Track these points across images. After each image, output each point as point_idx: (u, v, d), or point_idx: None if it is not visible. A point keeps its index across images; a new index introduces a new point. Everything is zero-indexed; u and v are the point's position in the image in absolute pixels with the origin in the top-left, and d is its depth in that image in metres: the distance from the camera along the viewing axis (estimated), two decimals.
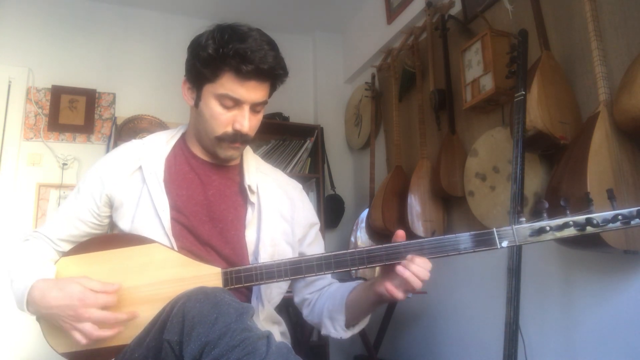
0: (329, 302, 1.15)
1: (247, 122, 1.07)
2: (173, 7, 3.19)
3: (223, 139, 1.09)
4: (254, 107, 1.08)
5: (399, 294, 0.95)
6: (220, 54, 1.00)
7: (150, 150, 1.16)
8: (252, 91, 1.05)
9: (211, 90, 1.05)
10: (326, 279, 1.22)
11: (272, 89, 1.11)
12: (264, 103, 1.10)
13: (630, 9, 1.50)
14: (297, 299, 1.26)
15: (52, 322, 0.98)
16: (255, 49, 1.01)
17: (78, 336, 0.93)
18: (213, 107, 1.06)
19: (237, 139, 1.09)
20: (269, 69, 1.03)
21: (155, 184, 1.10)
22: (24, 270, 1.02)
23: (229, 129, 1.08)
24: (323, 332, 1.16)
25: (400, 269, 0.93)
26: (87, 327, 0.92)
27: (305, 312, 1.23)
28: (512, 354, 1.47)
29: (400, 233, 0.98)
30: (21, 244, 1.14)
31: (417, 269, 0.92)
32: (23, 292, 0.98)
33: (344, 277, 2.22)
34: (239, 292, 1.10)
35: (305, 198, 1.28)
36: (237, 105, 1.06)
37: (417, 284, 0.93)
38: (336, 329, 1.12)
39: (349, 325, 1.12)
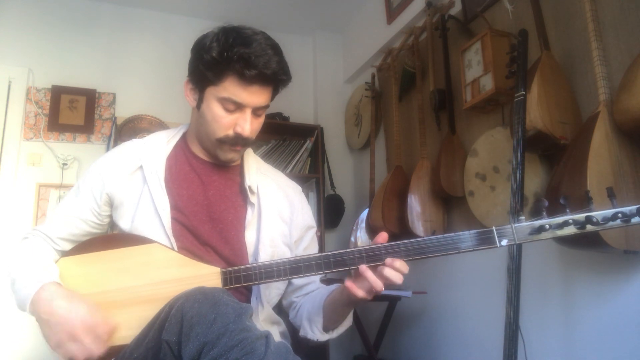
0: (309, 304, 1.16)
1: (248, 125, 1.07)
2: (173, 7, 3.19)
3: (224, 142, 1.10)
4: (256, 111, 1.09)
5: (360, 293, 0.95)
6: (225, 57, 1.01)
7: (151, 149, 1.16)
8: (255, 95, 1.05)
9: (214, 92, 1.05)
10: (315, 284, 1.22)
11: (275, 92, 1.12)
12: (266, 107, 1.10)
13: (630, 9, 1.50)
14: (284, 302, 1.25)
15: (43, 328, 0.96)
16: (259, 53, 1.01)
17: (58, 352, 0.92)
18: (215, 110, 1.06)
19: (238, 142, 1.10)
20: (272, 74, 1.03)
21: (156, 183, 1.10)
22: (28, 270, 1.02)
23: (230, 132, 1.08)
24: (301, 333, 1.15)
25: (363, 269, 0.93)
26: (75, 349, 0.91)
27: (291, 315, 1.23)
28: (512, 354, 1.47)
29: (383, 235, 0.97)
30: (21, 242, 1.13)
31: (387, 271, 0.92)
32: (29, 291, 0.96)
33: (344, 278, 2.22)
34: (238, 292, 1.10)
35: (304, 200, 1.29)
36: (239, 109, 1.06)
37: (377, 284, 0.93)
38: (313, 331, 1.12)
39: (327, 328, 1.12)
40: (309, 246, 1.25)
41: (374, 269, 0.94)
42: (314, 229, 1.27)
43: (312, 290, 1.21)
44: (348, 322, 1.14)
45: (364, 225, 2.74)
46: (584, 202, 0.89)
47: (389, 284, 0.94)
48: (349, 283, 0.96)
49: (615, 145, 1.38)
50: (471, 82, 1.98)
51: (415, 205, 2.23)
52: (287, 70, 1.08)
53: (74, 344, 0.91)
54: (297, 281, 1.20)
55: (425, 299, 2.34)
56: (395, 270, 0.92)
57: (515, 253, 1.51)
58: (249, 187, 1.16)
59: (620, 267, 1.49)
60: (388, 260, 0.93)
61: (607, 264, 1.53)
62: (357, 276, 0.97)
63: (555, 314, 1.69)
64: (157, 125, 2.95)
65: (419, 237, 2.16)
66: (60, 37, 2.95)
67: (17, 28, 2.87)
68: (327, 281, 1.32)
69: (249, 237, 1.13)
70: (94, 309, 0.96)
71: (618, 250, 1.33)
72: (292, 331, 1.22)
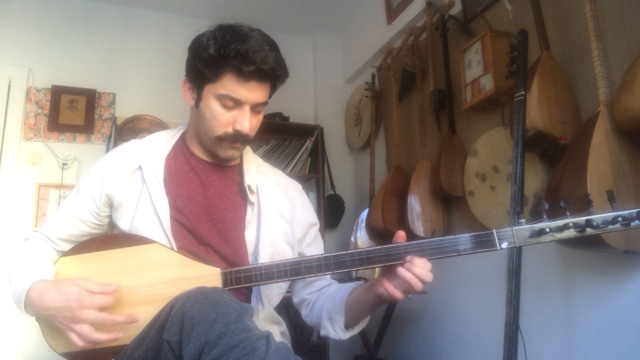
0: (328, 303, 1.15)
1: (247, 122, 1.07)
2: (173, 7, 3.19)
3: (223, 139, 1.09)
4: (255, 108, 1.08)
5: (398, 295, 0.96)
6: (222, 54, 1.01)
7: (150, 150, 1.16)
8: (253, 92, 1.05)
9: (212, 90, 1.05)
10: (325, 280, 1.22)
11: (273, 89, 1.12)
12: (265, 103, 1.10)
13: (630, 9, 1.50)
14: (295, 300, 1.26)
15: (50, 323, 0.97)
16: (256, 49, 1.01)
17: (74, 337, 0.93)
18: (214, 107, 1.06)
19: (238, 139, 1.10)
20: (270, 70, 1.03)
21: (155, 183, 1.10)
22: (23, 270, 1.02)
23: (230, 129, 1.08)
24: (322, 333, 1.16)
25: (402, 270, 0.94)
26: (84, 328, 0.92)
27: (304, 312, 1.23)
28: (512, 354, 1.47)
29: (401, 234, 0.99)
30: (21, 243, 1.14)
31: (419, 270, 0.93)
32: (21, 293, 0.97)
33: (344, 277, 2.22)
34: (238, 292, 1.10)
35: (305, 198, 1.28)
36: (237, 106, 1.06)
37: (418, 285, 0.94)
38: (335, 330, 1.13)
39: (348, 326, 1.12)
40: (312, 243, 1.24)
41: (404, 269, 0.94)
42: (317, 226, 1.27)
43: (324, 286, 1.21)
44: (367, 319, 1.15)
45: (364, 225, 2.75)
46: (584, 204, 0.89)
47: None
48: (389, 287, 0.96)
49: (615, 145, 1.38)
50: (471, 82, 1.98)
51: (415, 205, 2.23)
52: (285, 66, 1.08)
53: (82, 325, 0.92)
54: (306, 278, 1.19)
55: (425, 299, 2.34)
56: (420, 267, 0.93)
57: (515, 253, 1.51)
58: (249, 186, 1.16)
59: (620, 267, 1.49)
60: (408, 257, 0.94)
61: (607, 264, 1.53)
62: (390, 277, 0.97)
63: (555, 314, 1.69)
64: (157, 125, 2.95)
65: (419, 237, 2.18)
66: (60, 37, 2.95)
67: (17, 28, 2.87)
68: (336, 278, 1.31)
69: (249, 236, 1.13)
70: (86, 284, 0.95)
71: (618, 250, 1.33)
72: (293, 331, 1.22)
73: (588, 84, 1.61)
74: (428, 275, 0.94)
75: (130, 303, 0.99)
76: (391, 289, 0.96)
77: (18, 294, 0.99)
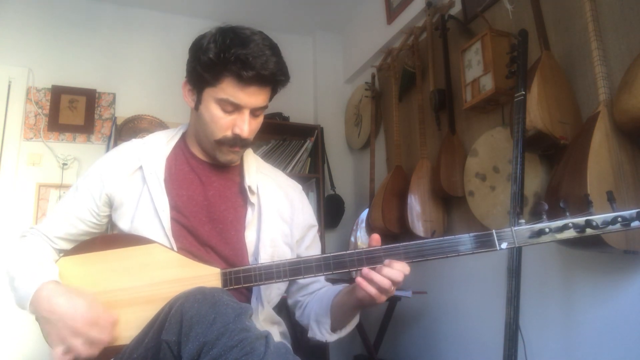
0: (316, 306, 1.16)
1: (246, 126, 1.07)
2: (173, 7, 3.19)
3: (223, 143, 1.09)
4: (254, 112, 1.08)
5: (380, 297, 0.96)
6: (222, 58, 1.00)
7: (151, 150, 1.16)
8: (253, 96, 1.05)
9: (212, 94, 1.05)
10: (320, 283, 1.22)
11: (273, 93, 1.11)
12: (265, 107, 1.10)
13: (630, 9, 1.50)
14: (290, 301, 1.26)
15: (44, 326, 0.96)
16: (256, 54, 1.00)
17: (59, 350, 0.91)
18: (213, 111, 1.06)
19: (237, 143, 1.10)
20: (270, 75, 1.03)
21: (155, 184, 1.10)
22: (27, 268, 1.02)
23: (229, 133, 1.08)
24: (309, 334, 1.16)
25: (358, 280, 0.95)
26: (79, 344, 0.91)
27: (297, 314, 1.24)
28: (512, 354, 1.47)
29: (375, 237, 0.98)
30: (19, 240, 1.13)
31: (388, 270, 0.93)
32: (28, 290, 0.96)
33: (345, 277, 2.22)
34: (238, 293, 1.10)
35: (305, 200, 1.28)
36: (237, 110, 1.06)
37: (386, 284, 0.93)
38: (322, 332, 1.13)
39: (335, 328, 1.13)
40: (311, 245, 1.25)
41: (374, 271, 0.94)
42: (316, 228, 1.28)
43: (318, 289, 1.21)
44: (355, 320, 1.15)
45: (364, 225, 2.74)
46: (584, 204, 0.89)
47: (393, 284, 0.94)
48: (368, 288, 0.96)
49: (615, 145, 1.38)
50: (471, 82, 1.98)
51: (415, 205, 2.23)
52: (286, 71, 1.07)
53: (77, 339, 0.91)
54: (302, 280, 1.20)
55: (425, 299, 2.34)
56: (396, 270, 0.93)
57: (516, 253, 1.51)
58: (249, 187, 1.16)
59: (620, 267, 1.49)
60: (387, 261, 0.93)
61: (607, 264, 1.53)
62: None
63: (555, 314, 1.69)
64: (157, 125, 2.95)
65: (419, 237, 2.18)
66: (60, 37, 2.95)
67: (17, 28, 2.87)
68: (331, 280, 1.32)
69: (249, 237, 1.13)
70: (94, 302, 0.95)
71: (618, 250, 1.33)
72: (293, 331, 1.22)
73: (588, 84, 1.60)
74: (396, 274, 0.93)
75: (130, 303, 0.99)
76: (370, 289, 0.95)
77: (24, 292, 0.97)
